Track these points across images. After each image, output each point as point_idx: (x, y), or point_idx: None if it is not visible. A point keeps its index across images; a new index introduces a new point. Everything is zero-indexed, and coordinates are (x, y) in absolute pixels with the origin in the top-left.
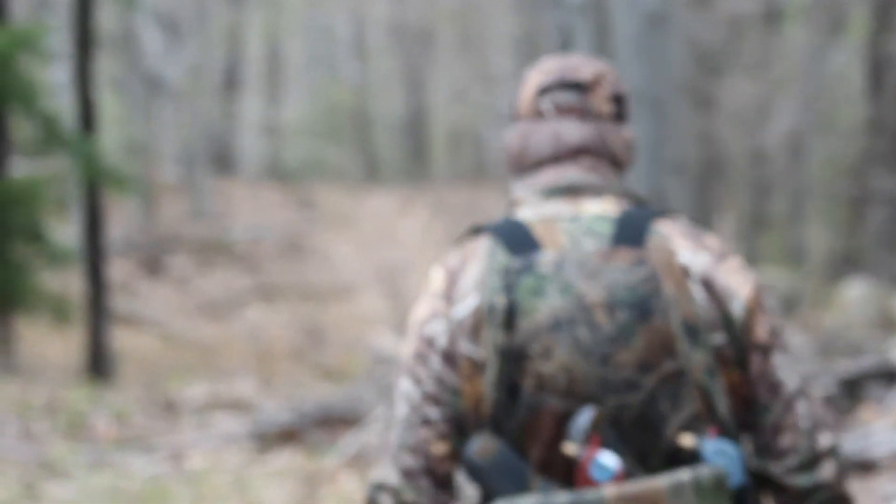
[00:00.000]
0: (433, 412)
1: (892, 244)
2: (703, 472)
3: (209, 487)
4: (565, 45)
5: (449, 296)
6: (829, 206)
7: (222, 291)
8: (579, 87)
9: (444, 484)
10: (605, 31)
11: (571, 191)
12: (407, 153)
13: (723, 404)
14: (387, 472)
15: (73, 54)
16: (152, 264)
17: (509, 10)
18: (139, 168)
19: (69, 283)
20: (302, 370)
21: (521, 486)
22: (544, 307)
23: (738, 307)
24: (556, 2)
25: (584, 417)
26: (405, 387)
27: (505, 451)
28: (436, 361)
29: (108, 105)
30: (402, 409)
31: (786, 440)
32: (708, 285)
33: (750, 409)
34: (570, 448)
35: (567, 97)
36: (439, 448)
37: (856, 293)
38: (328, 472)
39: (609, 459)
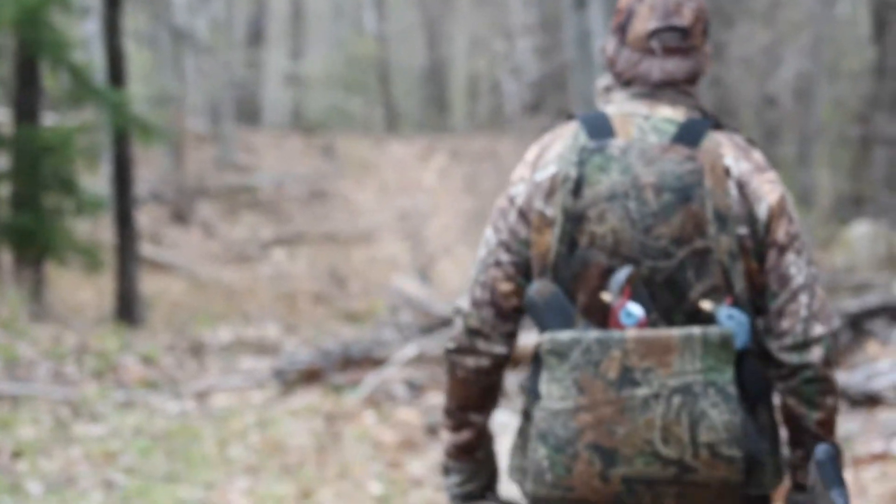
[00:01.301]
0: (504, 256)
1: None
2: (712, 330)
3: (234, 425)
4: None
5: (536, 164)
6: (837, 150)
7: (247, 238)
8: (683, 32)
9: (506, 316)
10: None
11: (653, 96)
12: (427, 103)
13: (739, 282)
14: (463, 300)
15: (102, 7)
16: (180, 212)
17: None
18: (167, 119)
19: (100, 230)
20: (325, 313)
21: (567, 324)
22: (606, 181)
23: (763, 209)
24: None
25: (622, 273)
26: (487, 234)
27: (558, 294)
28: (513, 216)
29: (137, 58)
30: (481, 252)
31: (785, 323)
32: (742, 186)
33: (761, 294)
34: (607, 296)
35: (673, 39)
36: (505, 286)
37: (862, 233)
38: (349, 410)
39: (635, 308)
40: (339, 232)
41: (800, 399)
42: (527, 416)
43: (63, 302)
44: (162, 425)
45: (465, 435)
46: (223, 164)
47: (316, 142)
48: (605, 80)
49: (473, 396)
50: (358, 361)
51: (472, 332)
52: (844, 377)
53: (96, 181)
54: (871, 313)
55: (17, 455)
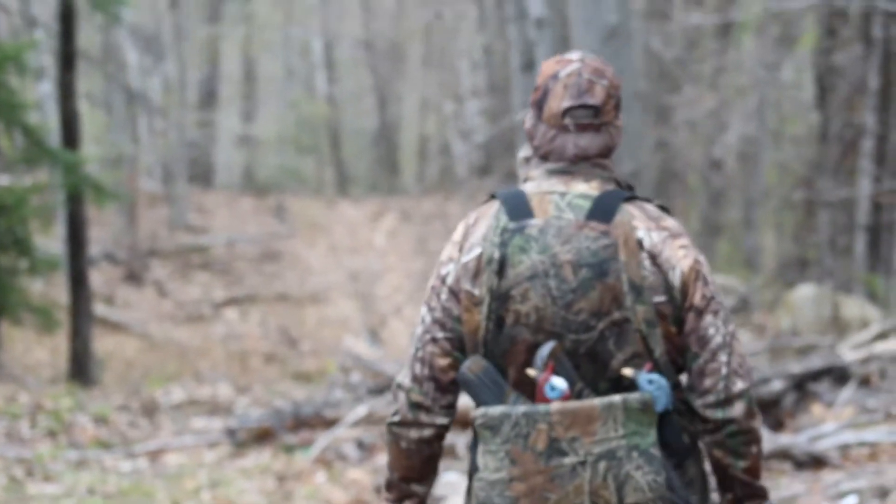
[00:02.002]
0: (439, 333)
1: (841, 249)
2: (632, 397)
3: (186, 484)
4: (526, 56)
5: (462, 245)
6: (782, 213)
7: (200, 298)
8: (595, 109)
9: (445, 389)
10: (564, 44)
11: (568, 173)
12: (377, 164)
13: (658, 347)
14: (403, 376)
15: (56, 69)
16: (133, 272)
17: (475, 25)
18: (120, 179)
19: (54, 290)
20: (276, 373)
21: (500, 398)
22: (527, 261)
23: (676, 276)
24: (518, 15)
25: (545, 349)
26: (423, 312)
27: (489, 369)
28: (445, 295)
29: (90, 118)
30: (418, 329)
31: (708, 382)
32: (654, 257)
33: (683, 355)
34: (532, 372)
35: (585, 116)
36: (442, 361)
37: (807, 296)
38: (301, 470)
39: (559, 382)
40: (290, 292)
41: (726, 451)
42: (470, 476)
43: (17, 361)
44: (115, 484)
45: None
46: (176, 224)
47: (268, 202)
48: (525, 150)
49: (416, 467)
50: (309, 421)
51: (415, 406)
52: (789, 439)
53: (50, 241)
54: (816, 375)
55: None
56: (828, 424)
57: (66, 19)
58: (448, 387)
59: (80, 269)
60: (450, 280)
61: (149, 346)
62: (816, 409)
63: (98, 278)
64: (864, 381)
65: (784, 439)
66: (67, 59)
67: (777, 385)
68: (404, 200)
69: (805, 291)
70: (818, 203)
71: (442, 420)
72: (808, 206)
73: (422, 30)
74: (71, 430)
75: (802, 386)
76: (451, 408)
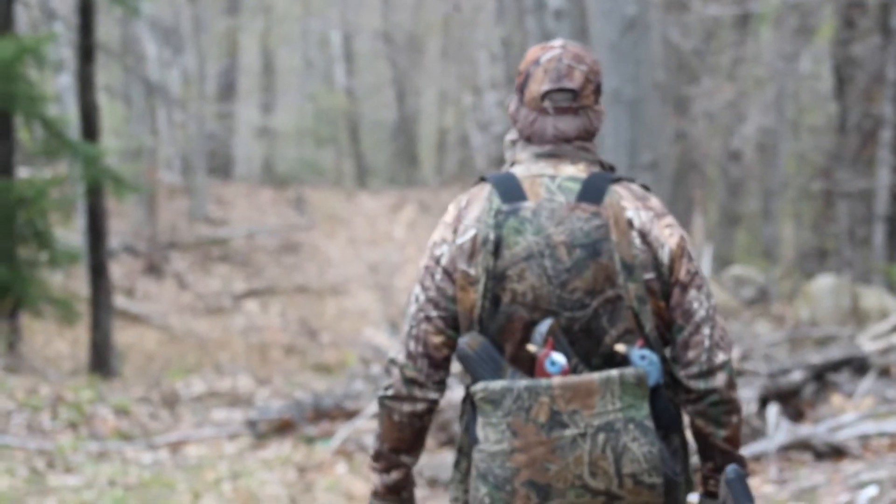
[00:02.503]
0: (433, 312)
1: (859, 240)
2: (628, 371)
3: (207, 476)
4: None
5: (455, 227)
6: (800, 204)
7: (220, 290)
8: (573, 93)
9: (438, 365)
10: (583, 35)
11: (555, 156)
12: (396, 156)
13: (649, 324)
14: (397, 352)
15: (76, 62)
16: (153, 264)
17: (493, 17)
18: (139, 172)
19: (74, 282)
20: (296, 365)
21: (497, 373)
22: (522, 242)
23: (665, 253)
24: (537, 7)
25: (544, 325)
26: (416, 291)
27: (487, 346)
28: (439, 275)
29: (110, 111)
30: (412, 308)
31: (691, 354)
32: (644, 235)
33: (668, 328)
34: (532, 348)
35: (564, 99)
36: (436, 339)
37: (826, 287)
38: (321, 461)
39: (559, 358)
40: (310, 284)
41: (707, 420)
42: (461, 451)
43: (38, 353)
44: (136, 476)
45: (394, 475)
46: (196, 216)
47: (287, 194)
48: (511, 134)
49: (407, 439)
50: (329, 413)
51: (409, 381)
52: (809, 429)
53: (70, 234)
54: (836, 366)
55: None
56: (848, 415)
57: (86, 12)
58: (441, 363)
59: (100, 261)
60: (444, 261)
61: (169, 338)
62: (836, 399)
63: (118, 270)
64: (884, 372)
65: (804, 430)
66: (87, 51)
67: (797, 376)
68: (423, 192)
69: (824, 282)
70: (837, 194)
71: (434, 395)
72: (826, 197)
73: (440, 22)
74: (92, 422)
75: (822, 376)
76: (442, 383)
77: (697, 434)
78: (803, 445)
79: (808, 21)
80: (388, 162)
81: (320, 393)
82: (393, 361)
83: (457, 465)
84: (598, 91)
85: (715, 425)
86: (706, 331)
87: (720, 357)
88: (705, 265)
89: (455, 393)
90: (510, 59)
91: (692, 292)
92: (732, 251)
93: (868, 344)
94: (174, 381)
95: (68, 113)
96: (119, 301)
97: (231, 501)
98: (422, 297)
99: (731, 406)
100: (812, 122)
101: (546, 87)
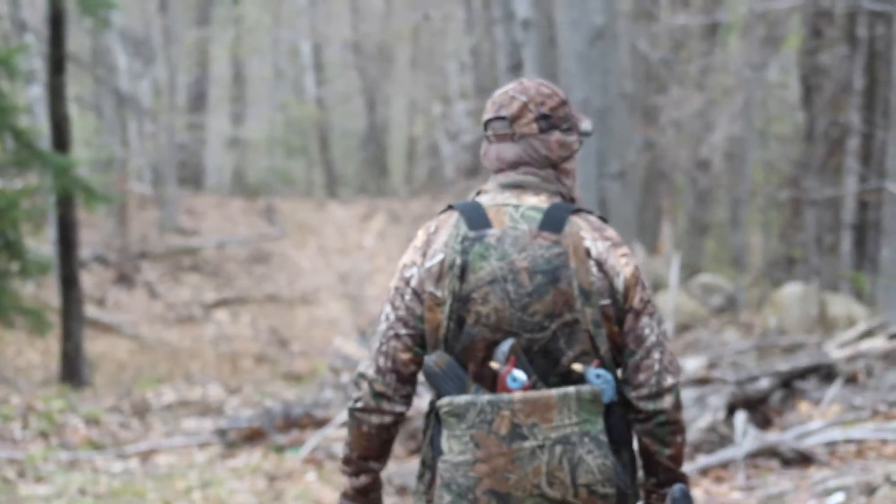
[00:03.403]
0: (402, 330)
1: (827, 248)
2: (584, 389)
3: (177, 485)
4: (513, 58)
5: (425, 251)
6: (768, 212)
7: (190, 300)
8: (507, 120)
9: (405, 380)
10: (551, 45)
11: (519, 187)
12: (366, 166)
13: (604, 346)
14: (367, 367)
15: (46, 73)
16: (124, 274)
17: (462, 27)
18: (110, 182)
19: (45, 292)
20: (267, 374)
21: (461, 389)
22: (487, 267)
23: (620, 282)
24: (505, 17)
25: (505, 345)
26: (387, 310)
27: (453, 364)
28: (408, 296)
29: (80, 122)
30: (382, 325)
31: (642, 376)
32: (601, 264)
33: (620, 352)
34: (494, 365)
35: (501, 127)
36: (404, 356)
37: (793, 295)
38: (291, 470)
39: (520, 374)
40: (280, 293)
41: (654, 439)
42: (424, 464)
43: (8, 363)
44: (106, 485)
45: (363, 479)
46: (166, 226)
47: (257, 204)
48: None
49: (374, 448)
50: (299, 421)
51: (378, 395)
52: (776, 436)
53: (41, 244)
54: (803, 373)
55: None
56: (815, 422)
57: (56, 23)
58: (408, 378)
59: (71, 271)
60: (413, 282)
61: (140, 347)
62: (803, 406)
63: (89, 280)
64: (851, 379)
65: (771, 437)
66: (57, 62)
67: (764, 383)
68: (393, 202)
69: (792, 290)
70: (804, 202)
71: (401, 408)
72: (794, 205)
73: (410, 32)
74: (62, 431)
75: (789, 384)
76: (408, 397)
77: (644, 452)
78: (771, 452)
79: (775, 31)
80: (357, 171)
81: (290, 402)
82: (362, 376)
83: (420, 477)
84: (542, 119)
85: (661, 444)
86: (656, 355)
87: (669, 380)
88: (673, 273)
89: (424, 401)
90: (479, 69)
91: (644, 319)
92: (701, 259)
93: (835, 351)
94: (145, 390)
95: (39, 124)
96: (90, 311)
97: None
98: (392, 316)
99: (677, 427)
100: (780, 130)
101: (488, 116)
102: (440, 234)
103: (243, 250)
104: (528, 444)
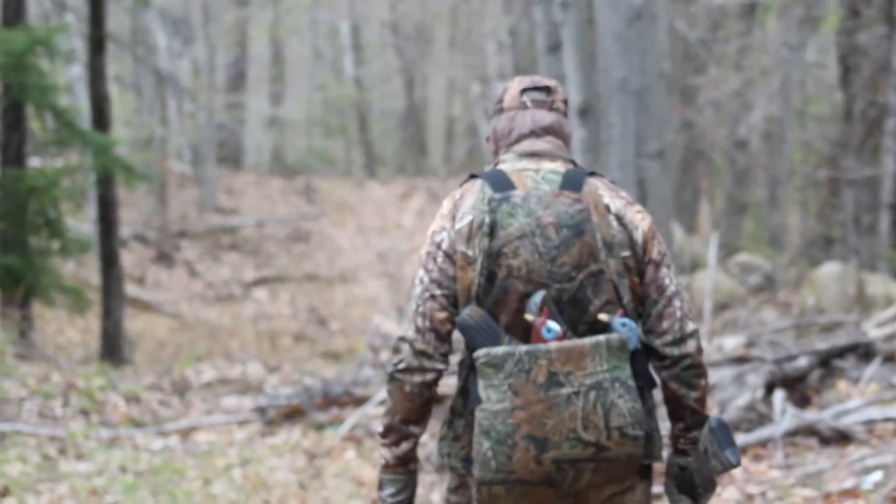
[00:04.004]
0: (437, 291)
1: (865, 227)
2: (613, 336)
3: (217, 462)
4: (552, 38)
5: (453, 215)
6: (806, 192)
7: (230, 278)
8: (547, 90)
9: (443, 339)
10: (590, 25)
11: (536, 155)
12: (405, 145)
13: (627, 295)
14: (406, 329)
15: (87, 52)
16: (163, 253)
17: (500, 7)
18: (150, 161)
19: (85, 271)
20: (306, 352)
21: (495, 340)
22: (515, 223)
23: (639, 235)
24: None
25: (538, 296)
26: (420, 274)
27: (486, 316)
28: (441, 258)
29: (120, 101)
30: (417, 289)
31: (665, 324)
32: (620, 219)
33: (643, 302)
34: (529, 317)
35: (539, 95)
36: (440, 315)
37: (831, 274)
38: (330, 447)
39: (554, 325)
40: (319, 272)
41: (681, 383)
42: (454, 412)
43: (49, 341)
44: (146, 462)
45: (404, 447)
46: (206, 205)
47: (296, 184)
48: (490, 163)
49: (416, 408)
50: (339, 399)
51: (420, 354)
52: (815, 415)
53: (81, 223)
54: (841, 352)
55: (5, 492)
56: (853, 400)
57: (96, 3)
58: (445, 336)
59: (112, 249)
60: (445, 245)
61: (179, 325)
62: (842, 385)
63: (129, 259)
64: (889, 358)
65: (810, 415)
66: (97, 42)
67: (803, 362)
68: (432, 181)
69: (830, 269)
70: (842, 182)
71: (441, 366)
72: (832, 185)
73: (448, 12)
74: (103, 409)
75: (828, 363)
76: (446, 356)
77: (671, 398)
78: (809, 431)
79: (813, 11)
80: (396, 151)
81: (329, 380)
82: (402, 338)
83: (450, 424)
84: (565, 103)
85: (687, 388)
86: (677, 303)
87: (690, 326)
88: (711, 253)
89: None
90: (517, 49)
91: (664, 270)
92: (739, 239)
93: (873, 330)
94: (185, 368)
95: (79, 103)
96: (130, 289)
97: (241, 488)
98: (426, 279)
99: (701, 370)
100: (818, 110)
101: (524, 85)
102: (466, 200)
103: (282, 229)
104: (564, 390)
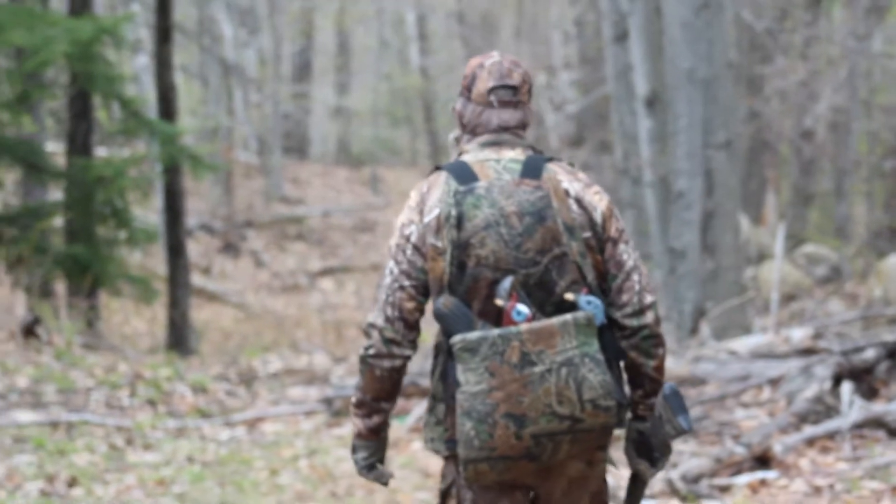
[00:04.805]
0: (406, 282)
1: None
2: (580, 314)
3: (284, 453)
4: (619, 28)
5: (421, 209)
6: (873, 182)
7: (296, 268)
8: (514, 89)
9: (411, 327)
10: (657, 15)
11: (496, 144)
12: None
13: (591, 275)
14: (376, 317)
15: (153, 42)
16: (229, 243)
17: None
18: (216, 151)
19: (151, 261)
20: None
21: (469, 326)
22: (480, 215)
23: (598, 215)
24: None
25: (507, 282)
26: (390, 265)
27: (459, 304)
28: (409, 250)
29: (186, 91)
30: (387, 279)
31: (625, 297)
32: (579, 201)
33: (603, 278)
34: (499, 302)
35: (506, 94)
36: (409, 304)
37: None
38: (397, 438)
39: (523, 308)
40: (385, 262)
41: (640, 352)
42: (434, 398)
43: (116, 331)
44: (213, 453)
45: (375, 419)
46: (272, 195)
47: (362, 174)
48: (455, 132)
49: (387, 388)
50: (405, 390)
51: (389, 342)
52: (883, 407)
53: (148, 213)
54: None
55: (73, 482)
56: None
57: None
58: (413, 325)
59: (178, 239)
60: (413, 238)
61: (245, 315)
62: None
63: (195, 249)
64: None
65: (877, 407)
66: (164, 32)
67: (870, 354)
68: None
69: None
70: None
71: (409, 352)
72: None
73: (514, 1)
74: (170, 399)
75: (894, 354)
76: (414, 342)
77: (631, 366)
78: (877, 423)
79: (879, 0)
80: None
81: None
82: (372, 325)
83: (431, 410)
84: (530, 91)
85: (646, 356)
86: (635, 277)
87: (648, 298)
88: (778, 244)
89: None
90: (583, 39)
91: (622, 246)
92: (805, 230)
93: None
94: (251, 358)
95: (146, 93)
96: (196, 279)
97: (307, 478)
98: (395, 270)
99: (658, 339)
100: (884, 100)
101: (492, 83)
102: (433, 193)
103: (348, 219)
104: (537, 369)
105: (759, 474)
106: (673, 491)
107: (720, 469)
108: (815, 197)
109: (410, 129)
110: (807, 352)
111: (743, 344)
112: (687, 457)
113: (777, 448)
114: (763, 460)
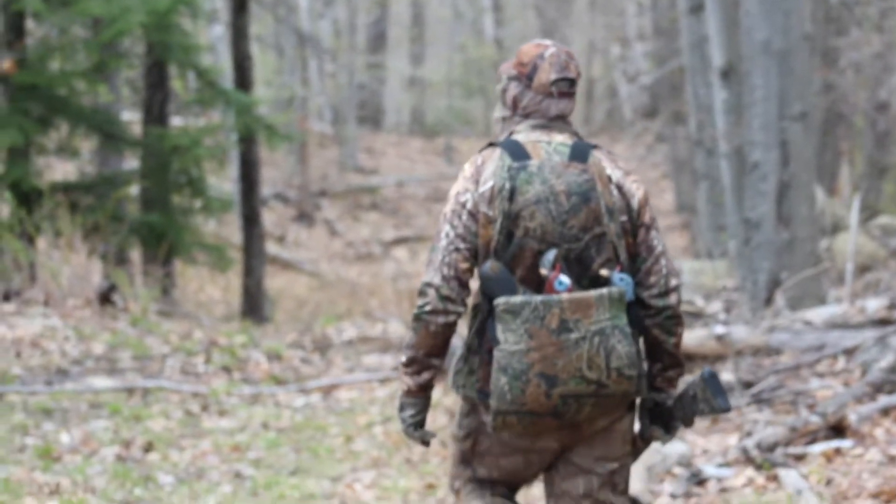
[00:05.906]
0: (461, 244)
1: None
2: (613, 289)
3: (359, 420)
4: (694, 0)
5: (476, 179)
6: None
7: (369, 237)
8: (572, 81)
9: (465, 286)
10: None
11: (546, 127)
12: None
13: (624, 254)
14: (432, 276)
15: (229, 12)
16: (304, 212)
17: None
18: (291, 121)
19: (226, 229)
20: None
21: (512, 291)
22: (532, 190)
23: (635, 202)
24: None
25: (551, 254)
26: (446, 229)
27: (505, 270)
28: (465, 216)
29: (262, 61)
30: (443, 241)
31: (653, 279)
32: (620, 187)
33: (634, 260)
34: (543, 271)
35: (566, 86)
36: (463, 265)
37: None
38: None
39: (565, 279)
40: None
41: (662, 330)
42: (469, 349)
43: (190, 299)
44: (288, 419)
45: (425, 376)
46: (346, 165)
47: (436, 144)
48: (499, 112)
49: (439, 344)
50: None
51: (445, 299)
52: None
53: (223, 182)
54: None
55: (148, 447)
56: None
57: None
58: (466, 284)
59: (253, 208)
60: (469, 205)
61: (319, 284)
62: None
63: (270, 218)
64: None
65: None
66: (240, 2)
67: None
68: None
69: None
70: None
71: (461, 308)
72: None
73: None
74: (245, 366)
75: None
76: (464, 301)
77: (652, 342)
78: None
79: None
80: None
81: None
82: (429, 284)
83: (465, 359)
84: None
85: (667, 334)
86: (663, 262)
87: (673, 282)
88: (853, 215)
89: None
90: (658, 10)
91: (653, 232)
92: (880, 201)
93: None
94: (325, 326)
95: (221, 63)
96: (270, 248)
97: (382, 445)
98: (451, 234)
99: (679, 319)
100: None
101: (554, 76)
102: (487, 166)
103: (422, 189)
104: (573, 335)
105: (834, 443)
106: (748, 459)
107: (795, 438)
108: (890, 169)
109: (484, 99)
110: (882, 322)
111: (818, 314)
112: (762, 425)
113: (852, 417)
114: (838, 429)
